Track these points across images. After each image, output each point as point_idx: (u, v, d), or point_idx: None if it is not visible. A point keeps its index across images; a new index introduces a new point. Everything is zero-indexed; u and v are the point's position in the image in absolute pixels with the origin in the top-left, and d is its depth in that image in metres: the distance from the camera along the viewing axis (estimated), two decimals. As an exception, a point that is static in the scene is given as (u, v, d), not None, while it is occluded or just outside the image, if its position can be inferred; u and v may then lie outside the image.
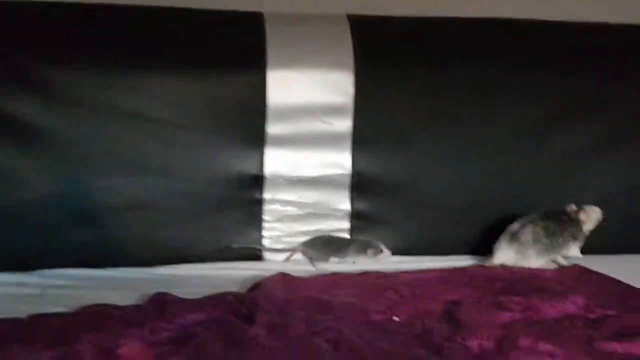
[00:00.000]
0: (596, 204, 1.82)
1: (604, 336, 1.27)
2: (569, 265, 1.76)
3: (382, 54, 1.86)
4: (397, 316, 1.34)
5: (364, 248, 1.77)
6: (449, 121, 1.88)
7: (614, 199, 1.91)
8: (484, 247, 1.83)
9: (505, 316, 1.37)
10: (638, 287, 1.56)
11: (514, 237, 1.73)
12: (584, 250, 1.80)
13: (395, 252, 1.83)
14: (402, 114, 1.86)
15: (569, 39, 1.97)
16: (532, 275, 1.67)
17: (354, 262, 1.76)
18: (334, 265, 1.74)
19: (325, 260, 1.77)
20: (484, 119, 1.89)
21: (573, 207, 1.79)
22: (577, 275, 1.69)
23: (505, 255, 1.72)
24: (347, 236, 1.84)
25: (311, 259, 1.78)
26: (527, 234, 1.72)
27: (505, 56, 1.92)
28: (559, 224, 1.76)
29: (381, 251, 1.78)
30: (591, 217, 1.80)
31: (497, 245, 1.73)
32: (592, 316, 1.39)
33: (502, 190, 1.91)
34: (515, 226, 1.74)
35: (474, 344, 1.20)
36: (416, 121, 1.87)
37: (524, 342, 1.19)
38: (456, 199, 1.89)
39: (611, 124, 1.94)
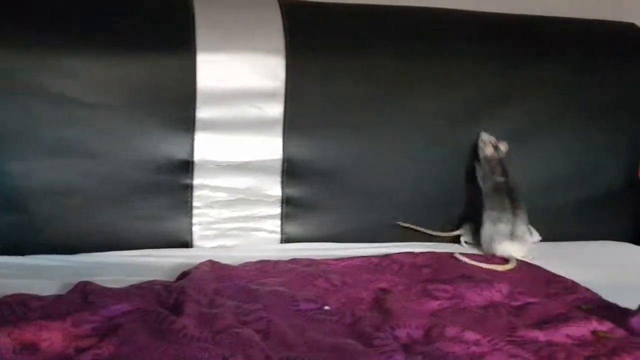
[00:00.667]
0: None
1: (527, 324, 1.30)
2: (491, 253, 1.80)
3: (313, 39, 1.84)
4: (327, 305, 1.33)
5: None
6: (378, 107, 1.88)
7: (532, 192, 1.93)
8: (415, 233, 1.86)
9: (433, 304, 1.39)
10: (560, 274, 1.60)
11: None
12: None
13: (326, 239, 1.84)
14: (333, 99, 1.85)
15: (491, 30, 1.99)
16: (458, 262, 1.69)
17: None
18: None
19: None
20: (411, 106, 1.90)
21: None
22: (499, 261, 1.73)
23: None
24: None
25: (466, 243, 1.89)
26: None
27: (432, 45, 1.92)
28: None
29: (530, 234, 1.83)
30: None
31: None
32: (515, 304, 1.42)
33: (432, 176, 1.93)
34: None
35: (402, 333, 1.21)
36: (347, 107, 1.86)
37: (451, 331, 1.21)
38: (387, 185, 1.90)
39: (530, 115, 1.97)
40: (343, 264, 1.61)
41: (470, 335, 1.19)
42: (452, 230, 1.92)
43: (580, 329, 1.25)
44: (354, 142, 1.87)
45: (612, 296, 1.45)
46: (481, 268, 1.64)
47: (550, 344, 1.21)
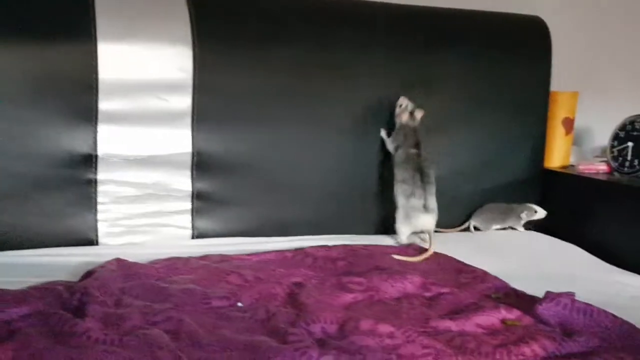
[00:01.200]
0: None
1: (440, 314, 1.31)
2: (407, 243, 1.81)
3: (222, 29, 1.79)
4: (240, 301, 1.30)
5: (518, 212, 1.96)
6: (290, 100, 1.85)
7: (441, 181, 1.94)
8: (329, 225, 1.85)
9: (348, 298, 1.38)
10: (471, 262, 1.62)
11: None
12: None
13: (239, 233, 1.80)
14: (244, 91, 1.81)
15: (402, 21, 1.99)
16: (371, 254, 1.69)
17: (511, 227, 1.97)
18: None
19: (488, 228, 1.95)
20: (322, 99, 1.89)
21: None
22: (412, 253, 1.74)
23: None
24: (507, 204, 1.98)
25: (475, 228, 1.98)
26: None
27: (342, 37, 1.91)
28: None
29: (535, 212, 1.95)
30: None
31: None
32: (428, 294, 1.43)
33: (344, 169, 1.92)
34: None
35: (317, 328, 1.19)
36: (258, 99, 1.83)
37: (365, 324, 1.20)
38: (298, 179, 1.88)
39: (438, 106, 1.98)
40: (256, 258, 1.58)
41: (384, 328, 1.19)
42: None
43: (490, 318, 1.26)
44: (265, 134, 1.84)
45: (521, 284, 1.48)
46: (398, 260, 1.64)
47: (461, 333, 1.21)
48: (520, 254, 1.81)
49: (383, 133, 1.90)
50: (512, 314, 1.28)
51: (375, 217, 1.95)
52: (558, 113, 2.06)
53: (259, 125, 1.83)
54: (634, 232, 1.78)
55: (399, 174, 1.82)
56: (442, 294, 1.43)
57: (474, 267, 1.61)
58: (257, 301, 1.31)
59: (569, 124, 2.08)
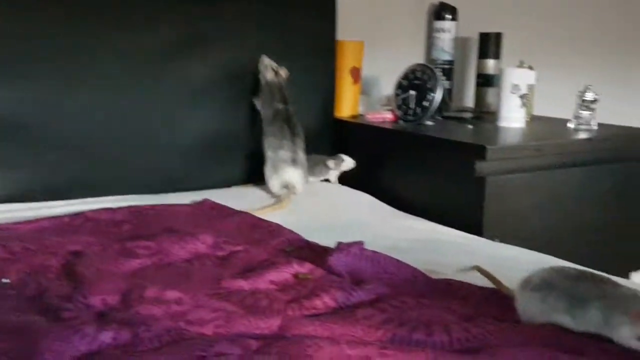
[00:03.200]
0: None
1: (232, 274, 1.26)
2: (200, 200, 1.74)
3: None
4: (5, 277, 1.16)
5: (323, 162, 1.93)
6: (58, 54, 1.73)
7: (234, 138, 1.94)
8: (106, 185, 1.76)
9: (134, 264, 1.29)
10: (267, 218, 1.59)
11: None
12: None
13: (10, 199, 1.64)
14: (11, 43, 1.66)
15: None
16: (160, 213, 1.61)
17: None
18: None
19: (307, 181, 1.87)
20: (94, 52, 1.77)
21: None
22: (207, 211, 1.68)
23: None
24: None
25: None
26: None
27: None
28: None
29: (343, 160, 1.92)
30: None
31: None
32: (221, 254, 1.38)
33: (123, 126, 1.82)
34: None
35: (97, 300, 1.09)
36: (27, 51, 1.68)
37: (151, 292, 1.12)
38: (82, 138, 1.76)
39: (224, 59, 1.93)
40: (28, 227, 1.43)
41: (171, 294, 1.11)
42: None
43: (282, 274, 1.24)
44: (44, 91, 1.70)
45: (315, 236, 1.47)
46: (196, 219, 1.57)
47: (254, 292, 1.18)
48: (314, 204, 1.81)
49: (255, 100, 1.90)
50: (305, 267, 1.27)
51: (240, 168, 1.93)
52: (345, 62, 2.08)
53: (22, 81, 1.67)
54: (418, 178, 1.85)
55: (267, 128, 1.84)
56: (235, 252, 1.38)
57: (269, 221, 1.57)
58: (27, 276, 1.18)
59: (356, 73, 2.10)
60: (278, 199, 1.79)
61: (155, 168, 1.88)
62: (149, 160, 1.86)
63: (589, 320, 0.94)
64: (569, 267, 1.06)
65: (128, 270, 1.26)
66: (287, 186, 1.82)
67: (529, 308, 1.02)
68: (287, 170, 1.81)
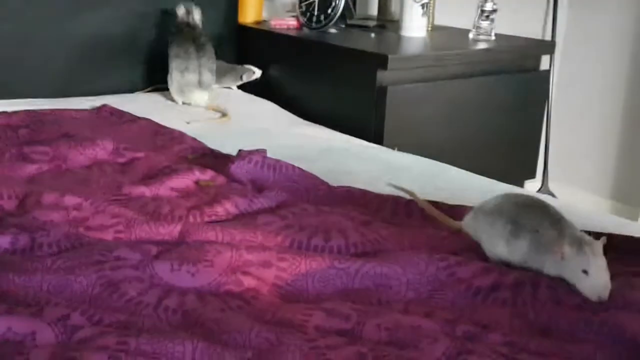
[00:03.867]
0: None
1: (133, 180, 1.26)
2: (99, 105, 1.70)
3: None
4: None
5: (240, 73, 1.94)
6: None
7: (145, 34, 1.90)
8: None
9: (31, 169, 1.27)
10: (167, 125, 1.58)
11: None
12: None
13: None
14: None
15: None
16: (58, 117, 1.56)
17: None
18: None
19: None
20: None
21: None
22: (107, 116, 1.65)
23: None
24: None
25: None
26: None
27: None
28: None
29: (254, 72, 1.94)
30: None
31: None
32: (121, 160, 1.37)
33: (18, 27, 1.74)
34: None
35: (-10, 206, 1.07)
36: None
37: (49, 197, 1.11)
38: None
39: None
40: None
41: (70, 200, 1.11)
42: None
43: (184, 180, 1.24)
44: None
45: (218, 143, 1.47)
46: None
47: (155, 198, 1.18)
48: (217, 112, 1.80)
49: None
50: (206, 175, 1.28)
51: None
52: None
53: None
54: (321, 86, 1.86)
55: (173, 49, 1.81)
56: (137, 158, 1.37)
57: (171, 129, 1.56)
58: None
59: (261, -23, 2.05)
60: (222, 112, 1.78)
61: (51, 70, 1.81)
62: (45, 62, 1.80)
63: (519, 250, 0.93)
64: (526, 195, 1.03)
65: (25, 175, 1.24)
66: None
67: (479, 230, 1.00)
68: (194, 93, 1.81)
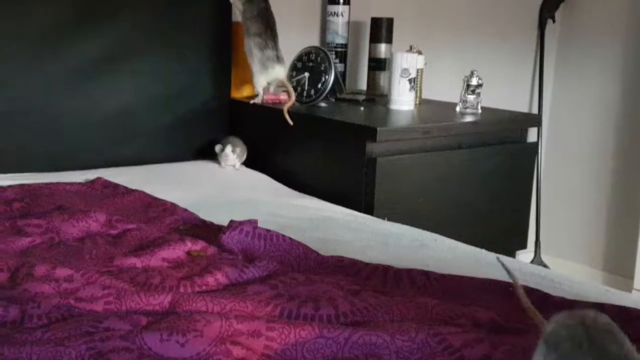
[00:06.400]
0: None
1: (124, 252, 1.27)
2: (93, 179, 1.72)
3: None
4: None
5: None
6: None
7: (138, 108, 1.95)
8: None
9: (24, 242, 1.28)
10: (161, 196, 1.60)
11: None
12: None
13: None
14: None
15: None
16: (53, 191, 1.58)
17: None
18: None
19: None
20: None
21: None
22: (100, 189, 1.67)
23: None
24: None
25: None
26: None
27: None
28: None
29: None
30: None
31: None
32: (114, 232, 1.38)
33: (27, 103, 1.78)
34: None
35: (-16, 279, 1.08)
36: None
37: (41, 270, 1.11)
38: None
39: (122, 33, 1.92)
40: None
41: (61, 272, 1.12)
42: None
43: (175, 251, 1.25)
44: None
45: (210, 214, 1.49)
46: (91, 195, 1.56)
47: (146, 269, 1.19)
48: (210, 183, 1.83)
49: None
50: (198, 245, 1.29)
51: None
52: (242, 43, 2.08)
53: None
54: (311, 158, 1.90)
55: (252, 27, 1.95)
56: (129, 230, 1.38)
57: (163, 200, 1.58)
58: None
59: (253, 54, 2.11)
60: (287, 93, 1.97)
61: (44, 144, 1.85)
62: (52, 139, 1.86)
63: None
64: (595, 325, 0.76)
65: (18, 248, 1.25)
66: (270, 83, 2.00)
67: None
68: (275, 67, 1.95)
